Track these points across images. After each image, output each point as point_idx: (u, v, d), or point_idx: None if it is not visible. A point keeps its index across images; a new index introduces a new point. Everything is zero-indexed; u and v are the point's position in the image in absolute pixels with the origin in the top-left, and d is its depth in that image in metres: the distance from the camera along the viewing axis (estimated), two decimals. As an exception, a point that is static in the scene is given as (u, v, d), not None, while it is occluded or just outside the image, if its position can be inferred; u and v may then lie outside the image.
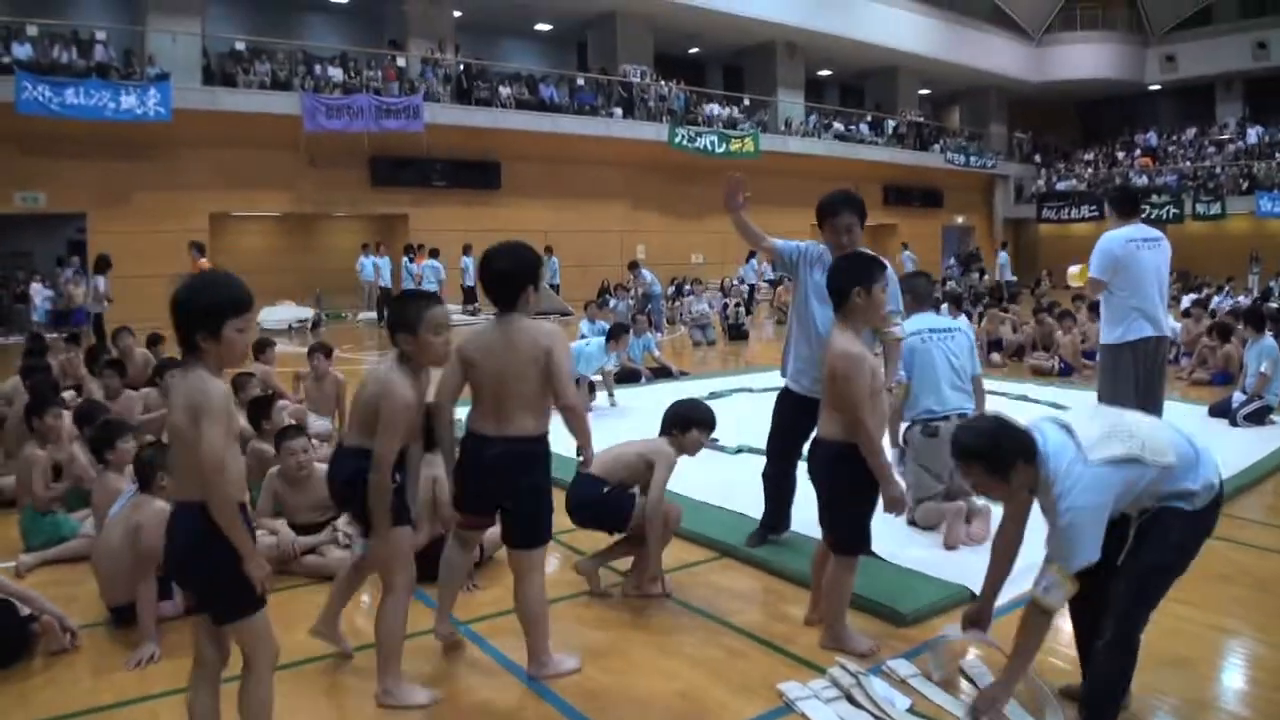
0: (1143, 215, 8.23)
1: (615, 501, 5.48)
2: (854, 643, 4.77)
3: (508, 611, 5.22)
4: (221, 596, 3.51)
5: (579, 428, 4.48)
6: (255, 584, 3.47)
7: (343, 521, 6.16)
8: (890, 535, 6.04)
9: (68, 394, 9.78)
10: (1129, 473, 3.70)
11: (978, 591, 5.34)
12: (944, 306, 16.10)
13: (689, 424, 5.67)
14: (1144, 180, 40.66)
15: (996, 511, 5.93)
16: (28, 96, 21.49)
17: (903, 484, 4.84)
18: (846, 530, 4.73)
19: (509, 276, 4.39)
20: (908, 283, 6.96)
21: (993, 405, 7.02)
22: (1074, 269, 10.42)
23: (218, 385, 3.38)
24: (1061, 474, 3.69)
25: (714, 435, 8.88)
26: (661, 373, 14.39)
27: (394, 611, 4.36)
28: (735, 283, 29.25)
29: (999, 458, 3.80)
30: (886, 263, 4.92)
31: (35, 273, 24.64)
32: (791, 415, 5.99)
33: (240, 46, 27.12)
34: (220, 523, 3.33)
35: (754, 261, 30.23)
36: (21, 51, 22.87)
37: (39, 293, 23.44)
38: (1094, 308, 14.28)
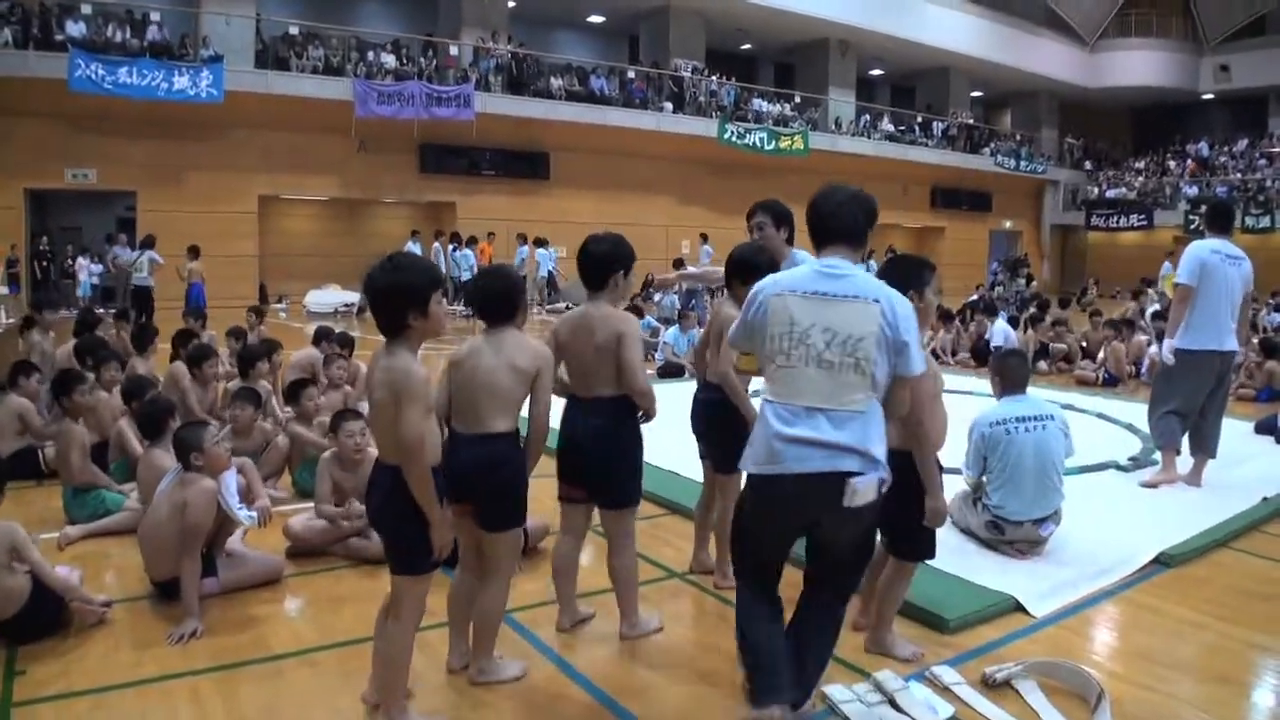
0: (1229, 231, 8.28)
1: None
2: (899, 648, 4.72)
3: (550, 602, 5.22)
4: (400, 550, 3.89)
5: (646, 407, 4.76)
6: (434, 549, 3.81)
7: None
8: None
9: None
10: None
11: (1022, 600, 5.34)
12: (1003, 327, 16.00)
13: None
14: (1194, 190, 40.20)
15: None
16: (81, 75, 21.65)
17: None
18: (913, 536, 4.64)
19: (601, 261, 4.73)
20: (999, 363, 6.72)
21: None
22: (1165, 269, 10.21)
23: (419, 369, 3.69)
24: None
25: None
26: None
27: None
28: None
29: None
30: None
31: (85, 249, 24.86)
32: None
33: (294, 31, 27.25)
34: (415, 493, 3.70)
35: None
36: (75, 30, 23.10)
37: (85, 268, 23.65)
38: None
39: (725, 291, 5.39)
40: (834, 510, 3.72)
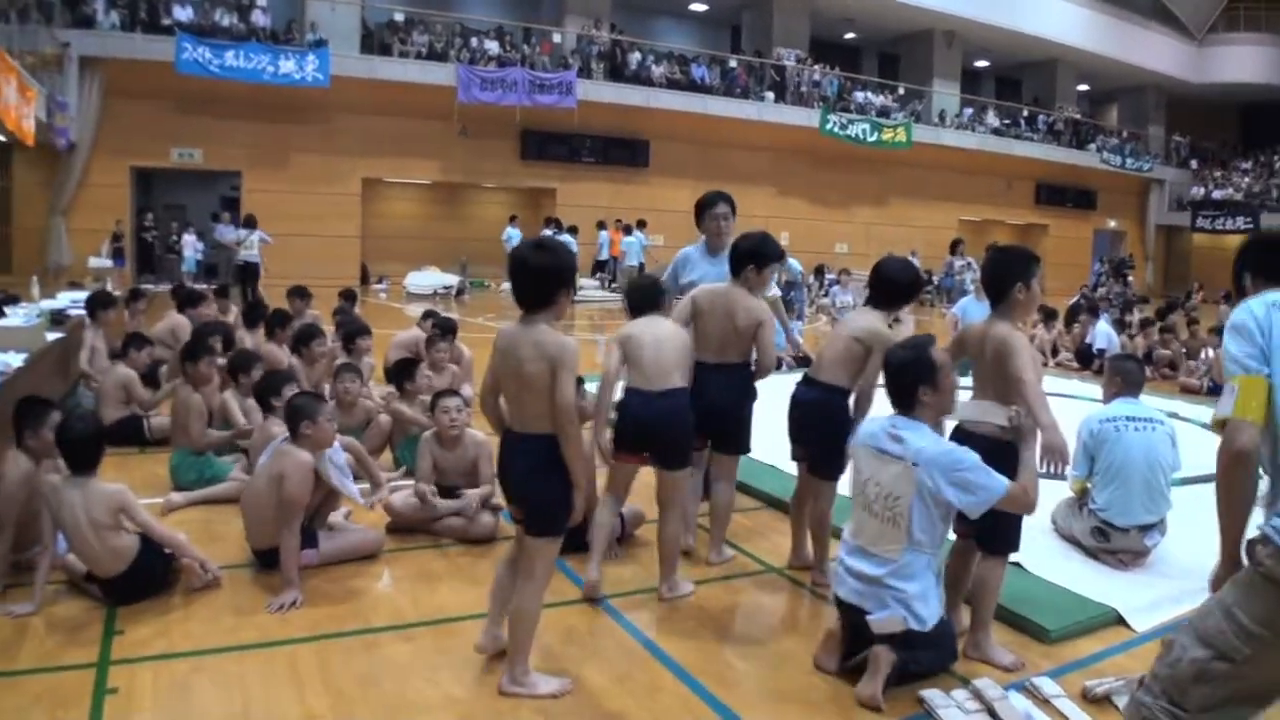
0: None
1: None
2: (998, 655, 4.61)
3: (648, 589, 5.32)
4: (542, 513, 4.11)
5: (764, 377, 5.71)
6: (576, 511, 4.11)
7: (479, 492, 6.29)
8: (1037, 548, 5.91)
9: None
10: None
11: (1124, 613, 5.21)
12: (1106, 329, 15.61)
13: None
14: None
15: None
16: (188, 57, 22.04)
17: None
18: (1003, 528, 4.56)
19: (743, 255, 5.61)
20: (1118, 365, 6.62)
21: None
22: None
23: (571, 340, 4.04)
24: None
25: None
26: (803, 361, 14.06)
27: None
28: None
29: None
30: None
31: (189, 225, 25.32)
32: None
33: (399, 17, 27.42)
34: (570, 456, 3.99)
35: (913, 260, 29.79)
36: (183, 14, 23.55)
37: (190, 244, 24.10)
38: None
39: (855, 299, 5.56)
40: None
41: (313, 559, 5.44)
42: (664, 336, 5.25)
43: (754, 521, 6.82)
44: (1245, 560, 2.92)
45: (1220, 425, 3.05)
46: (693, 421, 5.29)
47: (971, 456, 4.20)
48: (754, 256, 5.58)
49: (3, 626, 4.65)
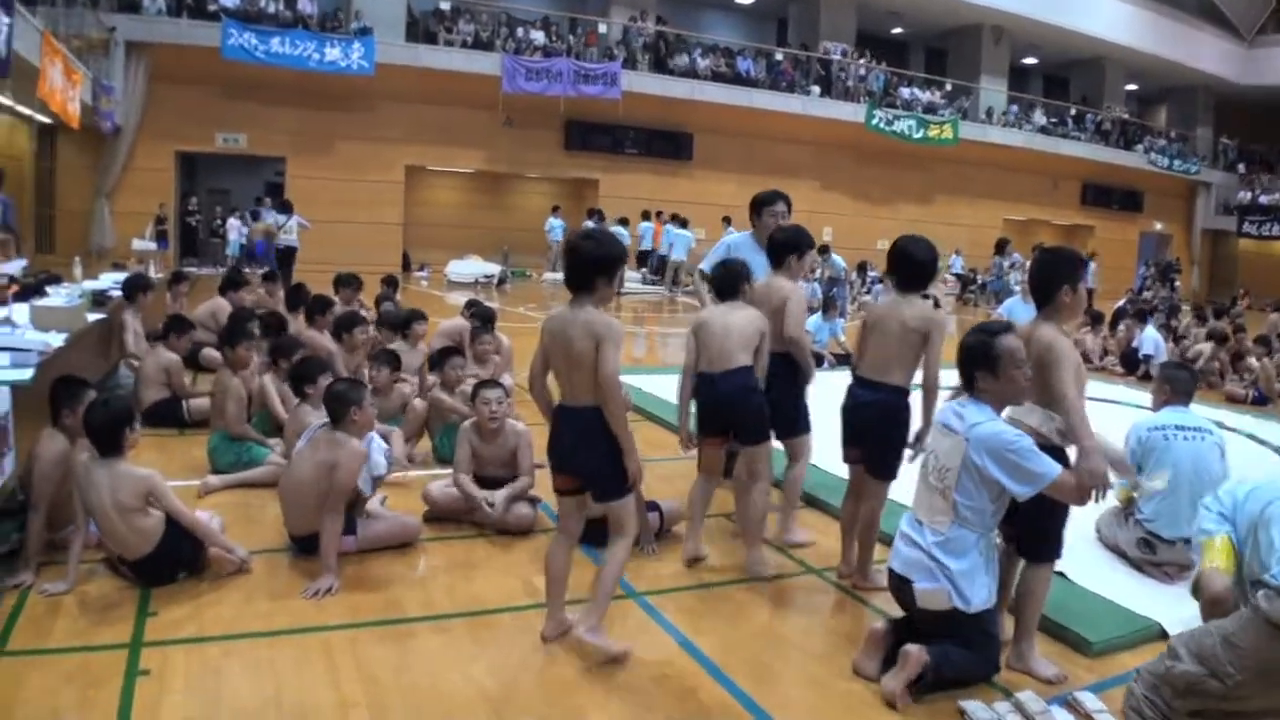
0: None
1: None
2: (1041, 668, 4.52)
3: (686, 587, 5.30)
4: (602, 480, 4.41)
5: (801, 359, 5.90)
6: (629, 475, 4.37)
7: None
8: (1081, 558, 5.83)
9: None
10: None
11: (1167, 627, 5.05)
12: (1153, 335, 15.37)
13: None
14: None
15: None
16: (234, 43, 22.25)
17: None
18: (1046, 534, 4.51)
19: (780, 245, 6.02)
20: (1168, 373, 6.51)
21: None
22: None
23: (615, 318, 4.39)
24: None
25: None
26: (845, 359, 13.94)
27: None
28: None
29: None
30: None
31: (234, 210, 25.46)
32: None
33: (444, 5, 27.44)
34: (615, 425, 4.31)
35: (957, 259, 29.62)
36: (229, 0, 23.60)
37: (235, 228, 24.26)
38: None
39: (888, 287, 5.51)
40: None
41: (350, 546, 5.41)
42: (733, 322, 5.55)
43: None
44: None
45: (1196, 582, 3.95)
46: (760, 399, 5.55)
47: (1024, 440, 4.16)
48: (793, 246, 5.97)
49: (36, 605, 4.64)
